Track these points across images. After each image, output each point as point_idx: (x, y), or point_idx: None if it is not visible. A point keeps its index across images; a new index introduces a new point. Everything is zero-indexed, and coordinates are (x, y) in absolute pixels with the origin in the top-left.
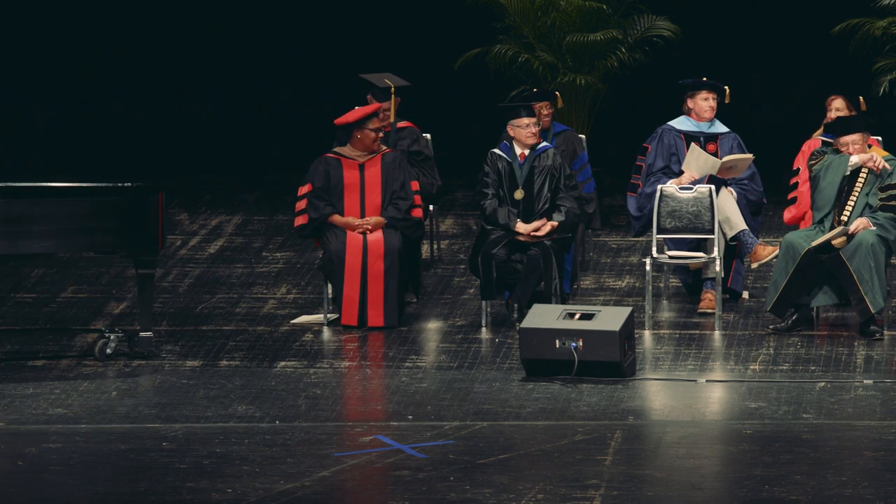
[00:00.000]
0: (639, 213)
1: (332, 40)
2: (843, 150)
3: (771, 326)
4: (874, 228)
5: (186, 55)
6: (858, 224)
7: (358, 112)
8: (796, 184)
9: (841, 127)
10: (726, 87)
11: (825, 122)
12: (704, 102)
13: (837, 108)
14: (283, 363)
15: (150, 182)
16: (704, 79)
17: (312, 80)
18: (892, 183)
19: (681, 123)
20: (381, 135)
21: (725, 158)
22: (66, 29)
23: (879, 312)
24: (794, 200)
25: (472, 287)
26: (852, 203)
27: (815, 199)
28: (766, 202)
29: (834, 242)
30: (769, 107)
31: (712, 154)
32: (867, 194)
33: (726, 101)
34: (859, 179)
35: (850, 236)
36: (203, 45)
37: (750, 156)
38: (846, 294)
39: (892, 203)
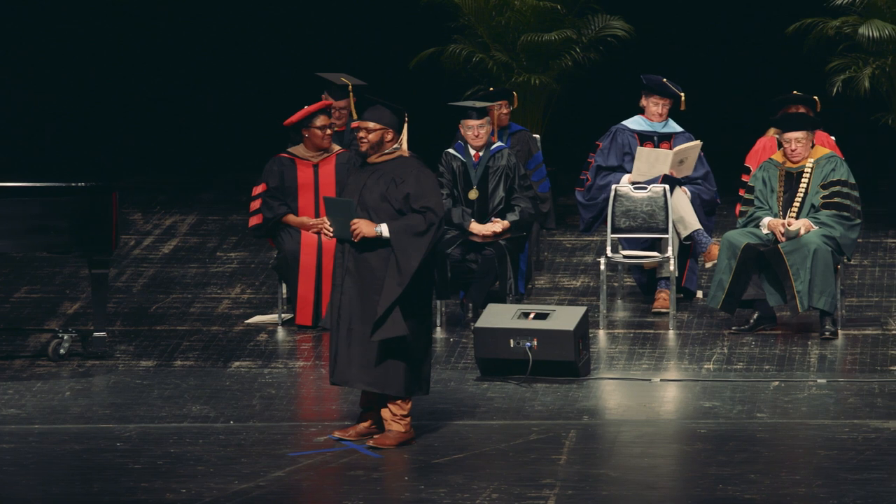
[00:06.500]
0: (587, 202)
1: (288, 39)
2: (786, 146)
3: (734, 328)
4: (817, 229)
5: (140, 55)
6: (801, 226)
7: (304, 110)
8: (750, 187)
9: (787, 123)
10: (682, 94)
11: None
12: (655, 107)
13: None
14: (237, 363)
15: (103, 182)
16: (664, 80)
17: (267, 79)
18: (834, 180)
19: (635, 123)
20: (329, 132)
21: (676, 149)
22: (20, 29)
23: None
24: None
25: None
26: (797, 204)
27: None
28: (719, 202)
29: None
30: (723, 105)
31: None
32: (811, 195)
33: (682, 109)
34: (802, 181)
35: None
36: (157, 45)
37: (698, 143)
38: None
39: (835, 200)
